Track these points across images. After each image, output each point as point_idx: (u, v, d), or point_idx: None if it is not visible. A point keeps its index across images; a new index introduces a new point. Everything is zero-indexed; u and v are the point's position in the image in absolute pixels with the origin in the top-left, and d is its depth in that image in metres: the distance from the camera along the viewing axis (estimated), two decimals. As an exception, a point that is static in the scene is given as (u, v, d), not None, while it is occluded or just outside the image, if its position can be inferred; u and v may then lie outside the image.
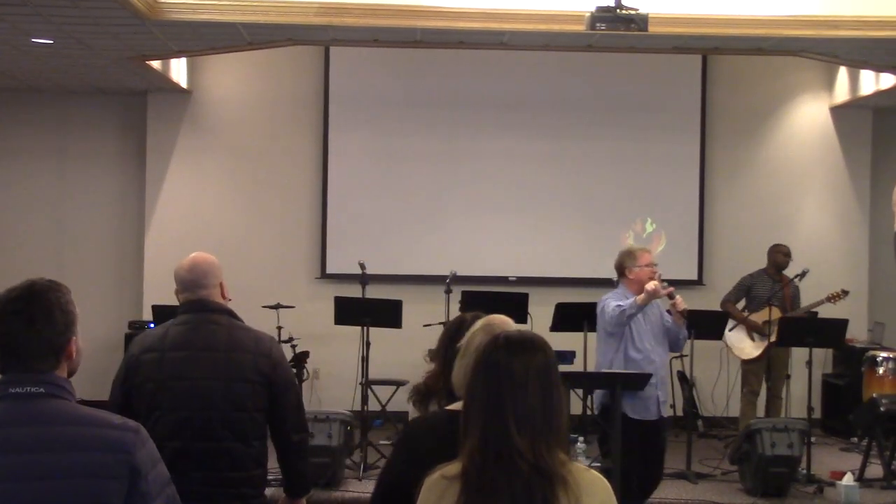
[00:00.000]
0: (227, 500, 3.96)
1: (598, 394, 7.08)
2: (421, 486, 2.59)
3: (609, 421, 6.86)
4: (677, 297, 7.04)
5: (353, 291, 9.79)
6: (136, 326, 10.54)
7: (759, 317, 9.81)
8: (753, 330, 9.87)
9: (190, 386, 3.96)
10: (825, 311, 9.79)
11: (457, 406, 3.09)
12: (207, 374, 3.98)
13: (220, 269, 4.18)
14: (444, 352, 3.58)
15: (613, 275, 10.46)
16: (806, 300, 10.02)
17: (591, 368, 9.41)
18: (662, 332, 6.95)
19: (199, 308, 4.10)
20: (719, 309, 9.97)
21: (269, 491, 4.29)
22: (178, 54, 9.98)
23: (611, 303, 6.97)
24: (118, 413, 3.79)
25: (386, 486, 3.18)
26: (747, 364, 9.97)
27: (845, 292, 9.76)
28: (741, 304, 10.19)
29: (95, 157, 11.57)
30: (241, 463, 4.00)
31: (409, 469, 3.01)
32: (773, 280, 10.03)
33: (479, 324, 3.20)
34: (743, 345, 9.95)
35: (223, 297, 4.18)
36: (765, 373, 9.97)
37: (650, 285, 6.87)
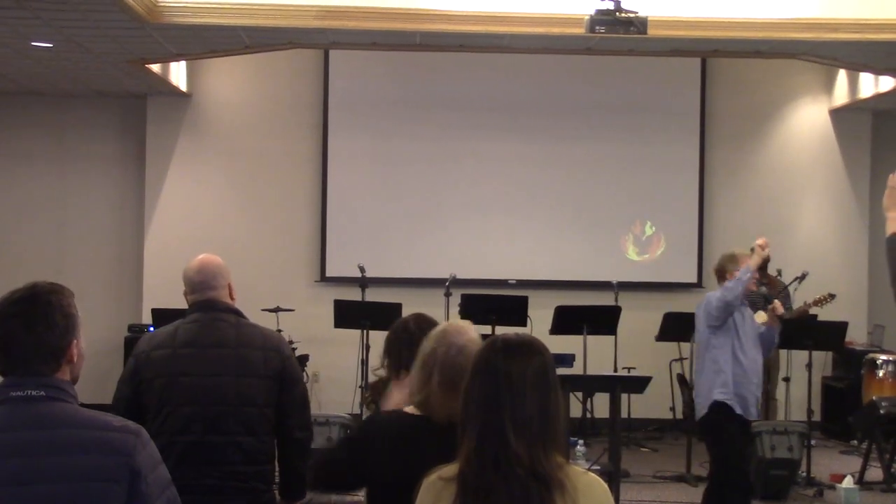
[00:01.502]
0: (237, 494, 3.97)
1: (707, 389, 6.80)
2: (419, 487, 2.60)
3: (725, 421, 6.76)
4: (775, 300, 6.97)
5: (353, 294, 9.80)
6: (136, 329, 10.54)
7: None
8: None
9: (200, 381, 3.99)
10: (825, 314, 9.76)
11: (412, 409, 3.14)
12: (218, 369, 4.02)
13: (227, 270, 4.23)
14: (397, 356, 3.63)
15: (612, 277, 10.59)
16: (797, 304, 9.98)
17: (591, 371, 9.44)
18: (757, 337, 6.88)
19: (208, 307, 4.14)
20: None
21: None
22: (177, 58, 9.99)
23: (715, 294, 6.78)
24: (124, 409, 3.85)
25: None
26: None
27: (832, 296, 9.69)
28: None
29: (95, 161, 11.58)
30: (253, 457, 4.02)
31: (355, 468, 3.18)
32: (759, 283, 9.98)
33: (435, 331, 3.19)
34: None
35: (231, 297, 4.22)
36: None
37: (759, 240, 6.84)
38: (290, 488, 4.29)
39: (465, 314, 9.47)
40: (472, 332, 3.16)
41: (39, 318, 2.61)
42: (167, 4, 8.14)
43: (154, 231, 11.31)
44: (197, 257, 4.24)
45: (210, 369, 4.01)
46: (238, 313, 4.19)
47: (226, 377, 4.01)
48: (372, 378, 3.90)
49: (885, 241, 4.42)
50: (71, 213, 11.57)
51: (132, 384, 4.06)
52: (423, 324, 3.76)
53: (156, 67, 10.09)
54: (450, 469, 2.53)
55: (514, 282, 11.17)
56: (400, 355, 3.59)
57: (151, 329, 9.74)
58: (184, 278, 4.20)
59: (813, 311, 9.67)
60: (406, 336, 3.71)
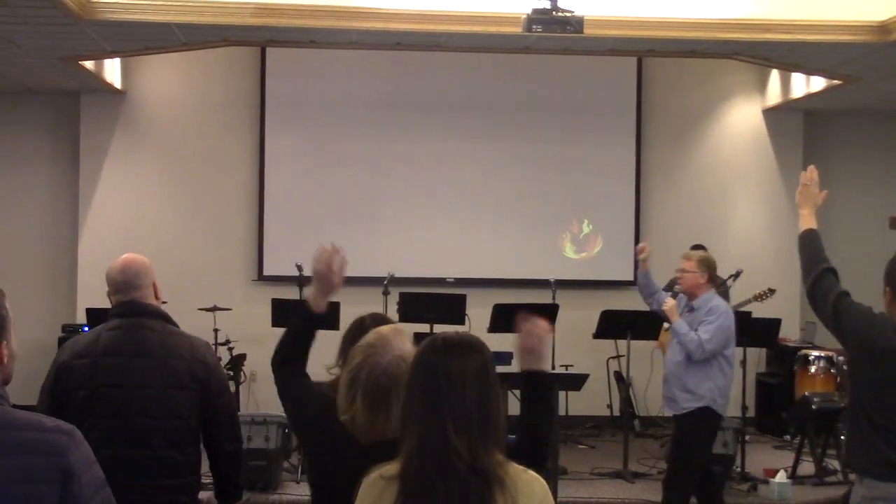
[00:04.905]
0: None
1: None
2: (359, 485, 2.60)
3: None
4: (667, 298, 7.15)
5: (291, 293, 9.75)
6: (70, 329, 10.41)
7: None
8: None
9: (124, 394, 3.90)
10: (758, 311, 9.89)
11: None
12: (142, 381, 3.92)
13: (152, 269, 4.12)
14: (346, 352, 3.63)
15: (550, 275, 10.63)
16: (738, 299, 10.13)
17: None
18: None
19: (131, 312, 4.04)
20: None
21: (204, 495, 4.24)
22: (111, 54, 9.86)
23: None
24: None
25: None
26: None
27: (772, 291, 9.87)
28: None
29: (28, 159, 11.40)
30: (177, 470, 3.95)
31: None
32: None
33: (363, 344, 3.13)
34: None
35: (157, 297, 4.13)
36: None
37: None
38: (227, 494, 4.25)
39: (403, 313, 9.47)
40: (404, 344, 3.07)
41: (-35, 320, 2.57)
42: (101, 0, 8.03)
43: (88, 230, 11.17)
44: (120, 257, 4.14)
45: (133, 381, 3.92)
46: (165, 317, 4.09)
47: (149, 389, 3.92)
48: (328, 377, 3.88)
49: (797, 238, 4.53)
50: (3, 212, 11.38)
51: (53, 395, 3.96)
52: (380, 322, 3.77)
53: (89, 64, 9.96)
54: (391, 467, 2.55)
55: (452, 280, 11.18)
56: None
57: (86, 329, 9.63)
58: (107, 278, 4.10)
59: (752, 305, 9.80)
60: (361, 335, 3.72)
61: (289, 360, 3.53)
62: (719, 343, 6.88)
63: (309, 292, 3.56)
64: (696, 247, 10.31)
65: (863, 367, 4.19)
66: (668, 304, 7.09)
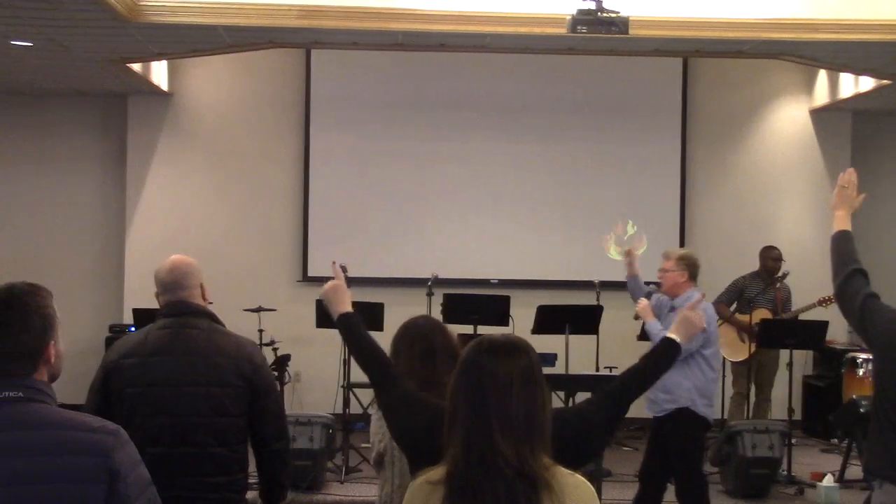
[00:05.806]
0: None
1: None
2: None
3: None
4: (641, 298, 7.11)
5: (335, 294, 9.77)
6: (117, 329, 10.50)
7: (747, 318, 9.80)
8: (742, 331, 9.86)
9: (172, 392, 3.93)
10: (805, 314, 9.81)
11: None
12: (189, 379, 3.95)
13: (199, 270, 4.16)
14: (402, 353, 3.65)
15: (594, 277, 10.58)
16: (800, 304, 10.00)
17: (573, 371, 9.44)
18: None
19: (179, 311, 4.06)
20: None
21: (249, 495, 4.26)
22: (158, 57, 9.95)
23: None
24: None
25: None
26: (736, 366, 9.95)
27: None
28: (733, 306, 10.16)
29: (76, 160, 11.53)
30: (225, 467, 3.97)
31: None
32: (765, 283, 10.04)
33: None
34: (733, 346, 9.91)
35: (204, 298, 4.15)
36: (752, 374, 9.97)
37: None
38: (272, 494, 4.27)
39: (447, 314, 9.47)
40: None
41: (15, 320, 2.60)
42: (148, 3, 8.10)
43: (135, 231, 11.27)
44: (169, 258, 4.18)
45: (181, 379, 3.94)
46: (212, 317, 4.12)
47: (197, 387, 3.95)
48: None
49: (829, 240, 4.47)
50: (51, 213, 11.52)
51: (102, 394, 3.99)
52: (431, 325, 3.79)
53: (137, 66, 10.05)
54: (436, 472, 2.53)
55: (496, 281, 11.17)
56: (412, 354, 3.65)
57: (132, 329, 9.71)
58: (155, 279, 4.14)
59: (815, 311, 9.69)
60: (414, 337, 3.76)
61: (373, 373, 3.43)
62: (694, 342, 6.63)
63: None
64: (769, 248, 10.28)
65: (887, 370, 4.11)
66: (641, 304, 6.94)
